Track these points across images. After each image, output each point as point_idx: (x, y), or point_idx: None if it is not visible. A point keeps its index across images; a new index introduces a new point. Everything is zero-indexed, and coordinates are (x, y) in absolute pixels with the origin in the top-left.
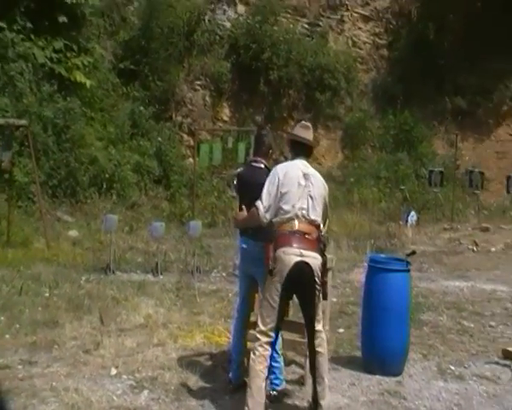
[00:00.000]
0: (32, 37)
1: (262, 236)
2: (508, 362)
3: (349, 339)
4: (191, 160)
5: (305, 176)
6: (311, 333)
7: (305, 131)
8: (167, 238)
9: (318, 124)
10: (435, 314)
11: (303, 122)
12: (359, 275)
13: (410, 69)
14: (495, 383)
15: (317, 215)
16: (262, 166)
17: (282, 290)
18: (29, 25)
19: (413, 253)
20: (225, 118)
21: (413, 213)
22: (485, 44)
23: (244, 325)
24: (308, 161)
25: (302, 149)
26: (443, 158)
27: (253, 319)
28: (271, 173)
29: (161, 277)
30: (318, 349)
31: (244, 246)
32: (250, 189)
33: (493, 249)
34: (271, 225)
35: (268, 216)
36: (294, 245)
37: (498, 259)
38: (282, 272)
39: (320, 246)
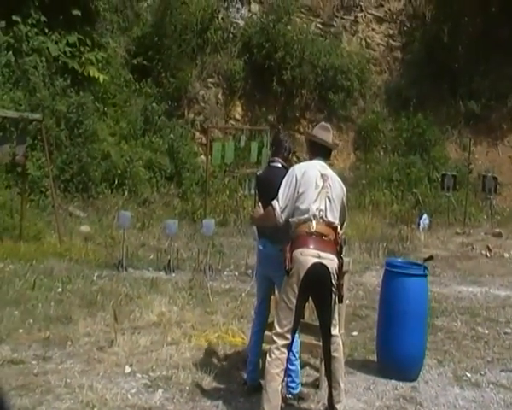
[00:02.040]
0: (46, 31)
1: (280, 238)
2: None
3: (363, 343)
4: (203, 157)
5: (323, 177)
6: (327, 337)
7: (324, 133)
8: (179, 236)
9: (331, 125)
10: (449, 320)
11: (323, 123)
12: None
13: (423, 72)
14: None
15: (334, 217)
16: (279, 165)
17: (298, 292)
18: (43, 18)
19: (430, 258)
20: (238, 116)
21: (425, 216)
22: (500, 48)
23: (262, 327)
24: (326, 163)
25: (320, 151)
26: (456, 162)
27: (270, 320)
28: (289, 173)
29: (174, 275)
30: (334, 354)
31: (261, 248)
32: (268, 189)
33: (506, 255)
34: (288, 226)
35: (284, 216)
36: (312, 246)
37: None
38: (299, 273)
39: (337, 248)
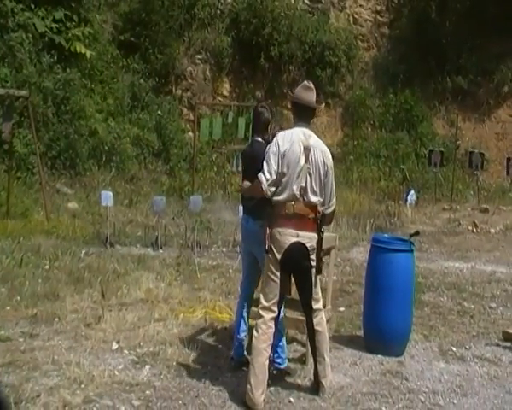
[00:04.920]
0: (32, 6)
1: (262, 214)
2: (508, 344)
3: (350, 318)
4: (191, 134)
5: (306, 150)
6: (309, 312)
7: (307, 93)
8: (167, 212)
9: (318, 99)
10: (435, 295)
11: (305, 83)
12: None
13: (411, 48)
14: (496, 365)
15: (315, 194)
16: (260, 139)
17: (280, 267)
18: None
19: (417, 233)
20: (225, 93)
21: (412, 192)
22: (487, 24)
23: (247, 302)
24: (310, 126)
25: (304, 112)
26: (443, 138)
27: (256, 296)
28: (272, 144)
29: (161, 251)
30: (317, 328)
31: (245, 224)
32: (251, 163)
33: (493, 231)
34: (268, 204)
35: (272, 188)
36: (291, 227)
37: (498, 240)
38: (278, 252)
39: (317, 225)
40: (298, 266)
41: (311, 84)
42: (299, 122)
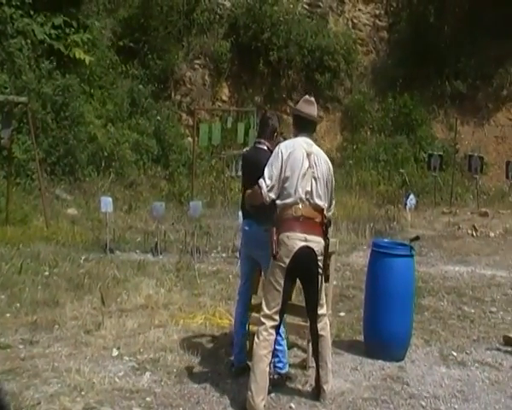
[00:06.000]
0: (31, 12)
1: (265, 218)
2: (509, 348)
3: (350, 323)
4: (190, 139)
5: (309, 156)
6: (314, 317)
7: (309, 107)
8: (166, 218)
9: (318, 105)
10: (436, 299)
11: (307, 97)
12: None
13: (410, 52)
14: (497, 369)
15: (320, 198)
16: (265, 147)
17: (286, 274)
18: (28, 0)
19: (417, 238)
20: (224, 98)
21: (412, 196)
22: (486, 28)
23: (246, 307)
24: (312, 138)
25: (306, 125)
26: (442, 142)
27: (255, 301)
28: (275, 152)
29: (161, 257)
30: (321, 333)
31: (247, 228)
32: (253, 169)
33: (492, 235)
34: (274, 209)
35: (272, 195)
36: (298, 230)
37: (497, 244)
38: (286, 257)
39: (323, 229)
40: (306, 271)
41: (313, 98)
42: (300, 133)
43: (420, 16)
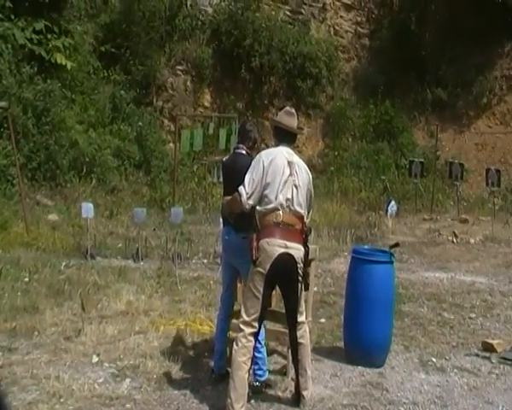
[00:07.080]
0: (12, 17)
1: (243, 226)
2: (487, 354)
3: (331, 329)
4: (171, 145)
5: (290, 164)
6: (294, 325)
7: (289, 118)
8: (148, 224)
9: (299, 112)
10: (416, 305)
11: (287, 108)
12: None
13: (391, 59)
14: (475, 375)
15: (301, 206)
16: (244, 152)
17: (265, 281)
18: (9, 4)
19: (396, 245)
20: (206, 104)
21: (393, 203)
22: (466, 36)
23: (228, 314)
24: (292, 148)
25: (286, 136)
26: (423, 149)
27: (236, 308)
28: (256, 160)
29: (142, 263)
30: (301, 341)
31: (226, 237)
32: (233, 175)
33: (472, 241)
34: (254, 216)
35: (251, 202)
36: (278, 236)
37: (477, 251)
38: (266, 263)
39: (303, 237)
40: (285, 277)
41: (293, 110)
42: (281, 143)
43: (401, 24)
